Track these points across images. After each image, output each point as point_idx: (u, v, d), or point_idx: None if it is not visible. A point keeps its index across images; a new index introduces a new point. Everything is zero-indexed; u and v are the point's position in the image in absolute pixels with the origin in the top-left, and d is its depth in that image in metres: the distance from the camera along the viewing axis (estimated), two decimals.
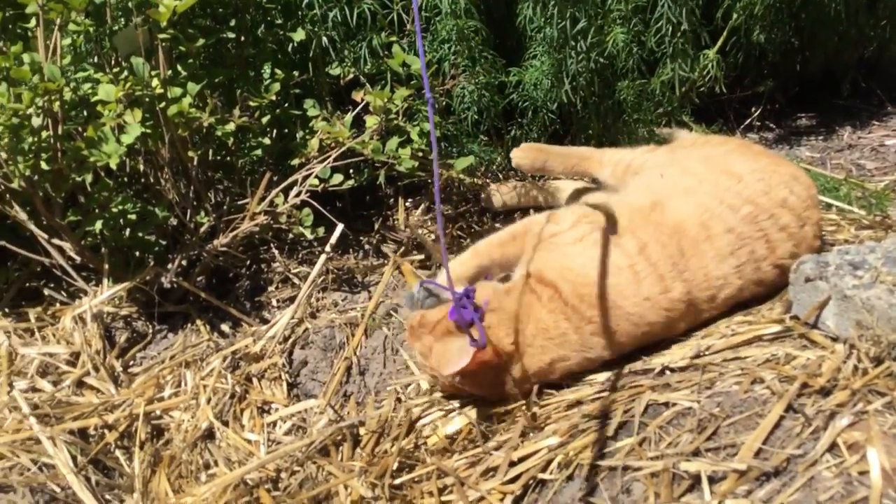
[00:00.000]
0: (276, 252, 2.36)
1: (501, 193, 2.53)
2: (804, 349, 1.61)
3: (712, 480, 1.36)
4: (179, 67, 2.09)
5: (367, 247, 2.44)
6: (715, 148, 2.08)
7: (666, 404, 1.58)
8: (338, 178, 2.20)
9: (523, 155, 2.33)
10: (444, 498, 1.56)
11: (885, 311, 1.47)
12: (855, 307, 1.53)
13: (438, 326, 1.71)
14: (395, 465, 1.65)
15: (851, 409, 1.39)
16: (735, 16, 2.60)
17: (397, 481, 1.61)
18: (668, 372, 1.68)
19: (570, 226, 1.86)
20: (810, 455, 1.33)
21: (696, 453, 1.43)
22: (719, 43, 2.64)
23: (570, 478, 1.50)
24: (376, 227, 2.51)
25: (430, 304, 1.84)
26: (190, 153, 2.11)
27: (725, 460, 1.39)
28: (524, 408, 1.70)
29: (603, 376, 1.74)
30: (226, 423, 1.88)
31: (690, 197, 1.84)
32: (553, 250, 1.83)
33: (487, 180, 2.65)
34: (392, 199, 2.62)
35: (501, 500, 1.51)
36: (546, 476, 1.53)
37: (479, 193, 2.60)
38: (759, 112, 2.99)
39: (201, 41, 2.06)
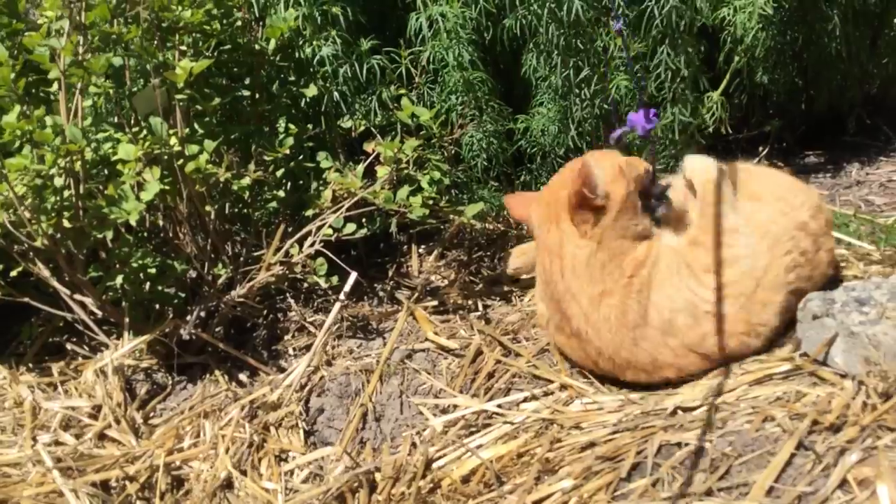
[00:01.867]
0: (291, 301, 2.41)
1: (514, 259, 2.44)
2: (814, 386, 1.62)
3: None
4: (196, 125, 2.17)
5: (381, 294, 2.48)
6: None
7: (679, 444, 1.60)
8: (351, 227, 2.25)
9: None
10: None
11: (891, 346, 1.49)
12: (862, 343, 1.55)
13: None
14: None
15: (861, 445, 1.40)
16: (737, 58, 2.64)
17: None
18: (679, 412, 1.69)
19: None
20: (821, 492, 1.34)
21: (708, 493, 1.44)
22: (723, 85, 2.69)
23: None
24: (390, 274, 2.56)
25: None
26: (207, 207, 2.17)
27: (738, 499, 1.40)
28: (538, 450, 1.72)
29: (615, 418, 1.76)
30: (244, 473, 1.90)
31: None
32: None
33: (499, 224, 2.70)
34: (405, 247, 2.67)
35: None
36: None
37: (493, 238, 2.65)
38: (766, 151, 3.02)
39: (217, 100, 2.13)
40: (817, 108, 3.01)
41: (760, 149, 3.03)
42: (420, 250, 2.67)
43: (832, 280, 1.92)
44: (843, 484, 1.35)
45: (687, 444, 1.58)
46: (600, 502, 1.52)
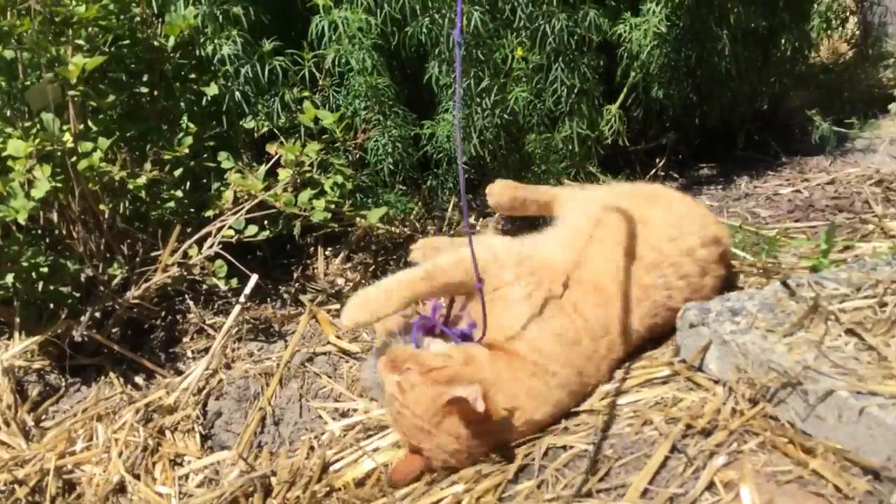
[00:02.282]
0: (191, 303, 2.38)
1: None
2: (690, 391, 1.71)
3: None
4: (91, 122, 2.13)
5: (285, 296, 2.48)
6: (642, 189, 2.19)
7: (564, 447, 1.66)
8: (252, 229, 2.24)
9: (501, 191, 2.23)
10: None
11: (758, 355, 1.59)
12: (733, 351, 1.65)
13: (435, 373, 1.64)
14: None
15: (728, 449, 1.49)
16: (633, 74, 2.76)
17: None
18: (567, 417, 1.76)
19: (514, 277, 1.83)
20: (691, 493, 1.43)
21: (588, 494, 1.51)
22: (620, 99, 2.80)
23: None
24: (295, 276, 2.56)
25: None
26: (101, 206, 2.13)
27: (616, 500, 1.48)
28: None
29: None
30: (137, 477, 1.88)
31: (601, 251, 1.91)
32: (502, 308, 1.81)
33: (406, 228, 2.74)
34: (312, 249, 2.68)
35: None
36: None
37: (398, 242, 2.68)
38: (663, 162, 3.15)
39: (112, 97, 2.10)
40: (710, 123, 3.16)
41: (658, 160, 3.16)
42: (326, 253, 2.68)
43: None
44: (710, 486, 1.44)
45: (572, 447, 1.65)
46: (489, 501, 1.57)
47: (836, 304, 1.68)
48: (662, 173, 3.15)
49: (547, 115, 2.61)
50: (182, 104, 2.35)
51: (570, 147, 2.64)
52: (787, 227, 2.57)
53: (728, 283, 2.09)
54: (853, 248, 2.26)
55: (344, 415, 2.03)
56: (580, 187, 2.37)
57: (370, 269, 2.60)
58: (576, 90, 2.55)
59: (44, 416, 2.12)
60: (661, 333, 1.94)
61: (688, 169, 3.23)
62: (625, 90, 2.79)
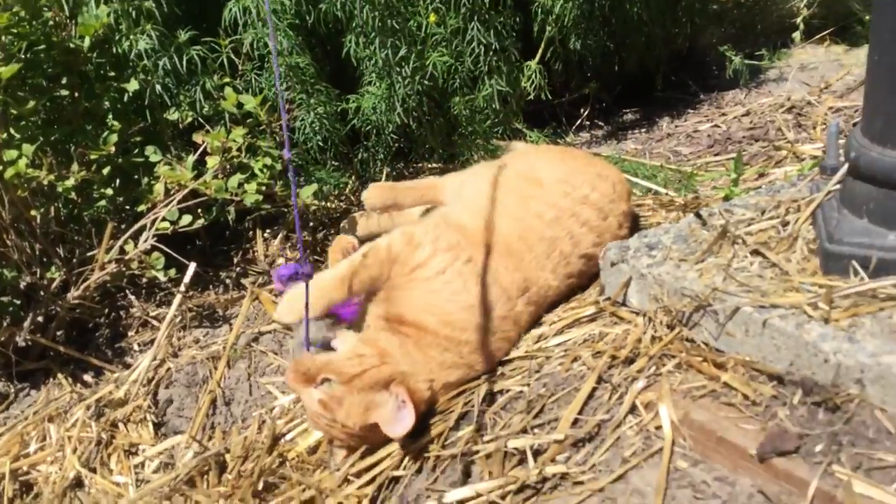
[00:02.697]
0: (132, 298, 2.41)
1: (363, 221, 2.58)
2: (614, 325, 1.80)
3: (537, 453, 1.52)
4: (13, 130, 2.13)
5: (227, 281, 2.52)
6: (524, 159, 2.26)
7: (501, 391, 1.74)
8: (186, 219, 2.27)
9: (374, 195, 2.31)
10: None
11: (672, 283, 1.67)
12: (649, 283, 1.73)
13: (357, 380, 1.67)
14: (261, 485, 1.74)
15: (647, 374, 1.58)
16: (549, 28, 2.81)
17: (264, 500, 1.70)
18: (503, 364, 1.83)
19: (430, 254, 1.87)
20: (615, 418, 1.51)
21: (524, 431, 1.59)
22: (539, 54, 2.86)
23: (419, 471, 1.63)
24: (236, 260, 2.59)
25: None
26: (33, 212, 2.14)
27: (548, 433, 1.55)
28: None
29: None
30: (93, 470, 1.93)
31: (506, 213, 1.98)
32: (415, 287, 1.86)
33: (341, 203, 2.78)
34: (250, 233, 2.71)
35: (359, 502, 1.62)
36: (398, 473, 1.66)
37: (335, 217, 2.72)
38: (587, 112, 3.22)
39: (33, 102, 2.10)
40: (629, 69, 3.23)
41: (582, 111, 3.23)
42: (265, 235, 2.71)
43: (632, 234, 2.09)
44: (633, 409, 1.53)
45: (508, 391, 1.73)
46: (433, 452, 1.64)
47: (742, 229, 1.76)
48: (588, 122, 3.22)
49: (468, 76, 2.66)
50: (105, 103, 2.35)
51: (493, 106, 2.69)
52: (708, 162, 2.66)
53: (637, 220, 2.17)
54: (767, 175, 2.35)
55: None
56: (458, 173, 2.43)
57: (309, 247, 2.64)
58: (493, 49, 2.60)
59: None
60: (578, 285, 2.02)
61: (612, 115, 3.31)
62: (542, 45, 2.85)
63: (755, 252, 1.67)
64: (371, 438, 1.70)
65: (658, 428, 1.46)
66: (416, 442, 1.70)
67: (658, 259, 1.76)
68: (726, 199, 2.11)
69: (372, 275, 1.88)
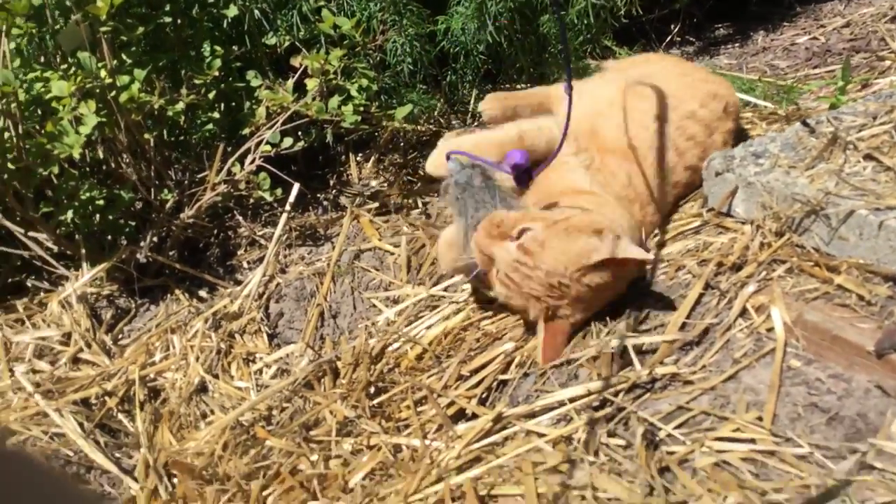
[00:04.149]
0: (240, 218, 2.51)
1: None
2: (719, 235, 1.80)
3: (645, 353, 1.56)
4: (124, 56, 2.21)
5: (325, 202, 2.60)
6: (639, 70, 2.24)
7: None
8: (288, 141, 2.34)
9: (492, 105, 2.26)
10: (419, 409, 1.74)
11: (782, 190, 1.66)
12: (757, 191, 1.72)
13: (563, 223, 1.64)
14: (372, 389, 1.83)
15: (757, 279, 1.59)
16: None
17: (376, 401, 1.80)
18: None
19: (573, 150, 1.93)
20: (725, 321, 1.53)
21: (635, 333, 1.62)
22: None
23: (525, 375, 1.70)
24: (331, 183, 2.67)
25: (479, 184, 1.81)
26: (146, 135, 2.24)
27: (658, 335, 1.59)
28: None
29: None
30: (216, 376, 2.05)
31: (614, 124, 1.99)
32: (571, 172, 1.92)
33: (430, 125, 2.81)
34: (343, 156, 2.77)
35: (470, 401, 1.70)
36: (506, 377, 1.73)
37: (424, 140, 2.76)
38: (678, 28, 3.15)
39: (140, 29, 2.18)
40: None
41: (672, 27, 3.16)
42: (358, 158, 2.77)
43: None
44: (743, 312, 1.54)
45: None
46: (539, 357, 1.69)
47: (854, 135, 1.74)
48: (678, 38, 3.16)
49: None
50: (205, 30, 2.41)
51: (586, 21, 2.66)
52: (807, 74, 2.59)
53: (742, 135, 2.15)
54: (871, 85, 2.29)
55: (395, 301, 2.17)
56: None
57: (401, 169, 2.69)
58: None
59: (120, 336, 2.28)
60: (682, 195, 2.03)
61: (703, 31, 3.23)
62: None
63: (868, 157, 1.65)
64: (571, 291, 1.61)
65: (769, 330, 1.48)
66: (519, 350, 1.76)
67: (766, 167, 1.75)
68: (832, 107, 2.06)
69: (541, 147, 1.91)
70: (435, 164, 1.97)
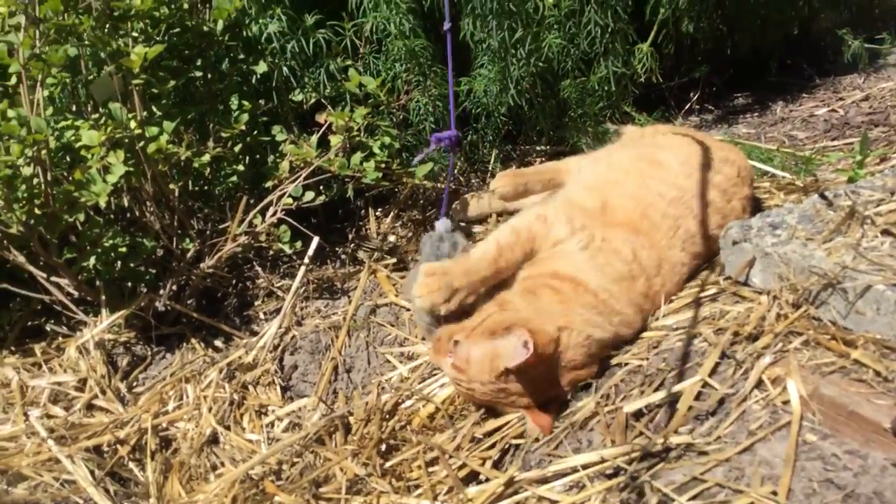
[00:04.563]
0: (259, 269, 2.54)
1: (474, 202, 2.69)
2: (735, 304, 1.81)
3: (660, 425, 1.55)
4: (154, 108, 2.27)
5: (343, 256, 2.62)
6: (647, 141, 2.28)
7: (619, 365, 1.78)
8: (310, 195, 2.38)
9: (504, 182, 2.34)
10: (430, 469, 1.73)
11: (799, 262, 1.67)
12: (775, 262, 1.73)
13: (478, 329, 1.72)
14: (384, 446, 1.82)
15: (774, 350, 1.58)
16: (662, 10, 2.80)
17: (389, 464, 1.79)
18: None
19: (568, 233, 1.92)
20: (741, 392, 1.53)
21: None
22: (651, 36, 2.85)
23: (536, 439, 1.69)
24: (350, 237, 2.70)
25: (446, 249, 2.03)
26: (171, 186, 2.28)
27: (670, 405, 1.58)
28: None
29: None
30: (228, 428, 2.05)
31: (626, 193, 2.01)
32: (563, 256, 1.90)
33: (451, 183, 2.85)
34: (363, 211, 2.81)
35: (482, 464, 1.69)
36: (519, 441, 1.72)
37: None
38: (697, 96, 3.20)
39: (172, 82, 2.23)
40: (742, 53, 3.19)
41: (692, 94, 3.21)
42: (377, 213, 2.80)
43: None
44: (759, 384, 1.54)
45: (627, 364, 1.76)
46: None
47: (871, 209, 1.75)
48: (697, 106, 3.20)
49: (581, 58, 2.69)
50: (233, 84, 2.47)
51: (606, 88, 2.71)
52: (825, 146, 2.62)
53: (757, 203, 2.16)
54: (889, 159, 2.30)
55: (410, 358, 2.18)
56: (580, 156, 2.45)
57: (419, 226, 2.72)
58: (609, 30, 2.62)
59: (135, 383, 2.29)
60: (700, 266, 2.03)
61: (722, 100, 3.28)
62: (655, 27, 2.84)
63: (885, 232, 1.66)
64: (515, 392, 1.68)
65: (785, 402, 1.47)
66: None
67: (783, 238, 1.76)
68: (850, 181, 2.08)
69: (517, 257, 1.91)
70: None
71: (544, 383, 1.70)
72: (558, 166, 2.38)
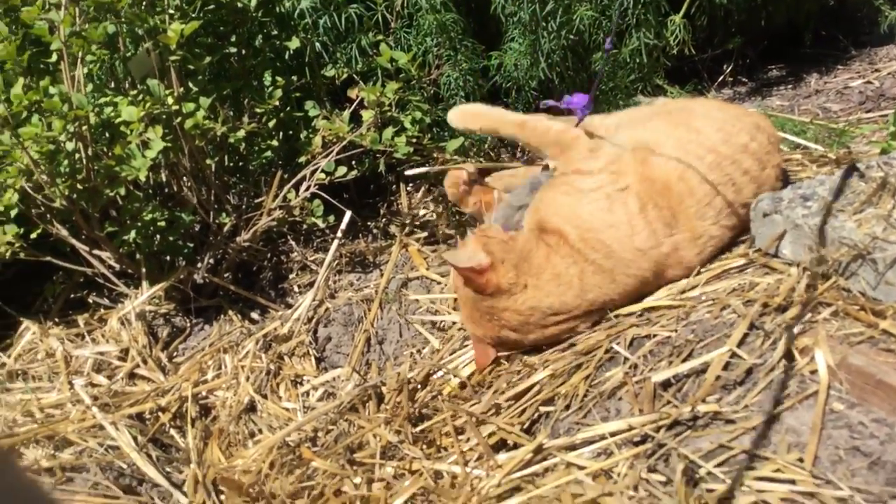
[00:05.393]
0: (293, 243, 2.59)
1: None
2: (765, 276, 1.81)
3: (687, 393, 1.57)
4: (190, 84, 2.31)
5: (374, 230, 2.66)
6: (679, 106, 2.27)
7: (648, 336, 1.79)
8: (342, 170, 2.41)
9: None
10: (460, 437, 1.77)
11: (829, 233, 1.67)
12: (805, 234, 1.73)
13: (479, 234, 1.99)
14: (416, 413, 1.87)
15: (803, 321, 1.59)
16: None
17: (419, 428, 1.83)
18: (648, 311, 1.88)
19: (600, 168, 1.98)
20: (769, 362, 1.54)
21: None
22: (684, 7, 2.82)
23: (567, 407, 1.72)
24: (382, 212, 2.73)
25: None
26: (207, 161, 2.33)
27: (699, 375, 1.60)
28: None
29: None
30: (265, 396, 2.11)
31: (664, 154, 1.99)
32: (568, 193, 1.98)
33: (480, 158, 2.87)
34: (394, 186, 2.84)
35: (512, 428, 1.72)
36: (548, 409, 1.75)
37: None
38: (730, 68, 3.17)
39: (207, 59, 2.27)
40: (777, 24, 3.15)
41: (725, 67, 3.18)
42: (408, 188, 2.83)
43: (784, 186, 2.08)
44: (787, 354, 1.55)
45: (655, 336, 1.78)
46: (581, 390, 1.72)
47: None
48: (730, 79, 3.18)
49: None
50: (267, 60, 2.51)
51: (638, 60, 2.70)
52: (859, 118, 2.59)
53: (785, 175, 2.15)
54: None
55: (441, 329, 2.21)
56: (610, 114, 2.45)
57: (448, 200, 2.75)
58: (641, 1, 2.60)
59: (175, 353, 2.36)
60: (736, 236, 1.99)
61: (756, 72, 3.24)
62: None
63: None
64: (464, 311, 1.98)
65: (813, 372, 1.48)
66: (563, 382, 1.78)
67: (814, 210, 1.76)
68: (883, 152, 2.06)
69: (533, 143, 2.15)
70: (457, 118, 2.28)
71: (484, 318, 1.91)
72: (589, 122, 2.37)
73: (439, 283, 2.38)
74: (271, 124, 2.44)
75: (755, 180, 1.98)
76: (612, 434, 1.53)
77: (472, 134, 2.44)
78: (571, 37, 2.60)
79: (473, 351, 2.00)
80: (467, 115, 2.26)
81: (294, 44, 2.48)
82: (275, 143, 2.49)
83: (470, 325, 1.98)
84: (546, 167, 2.17)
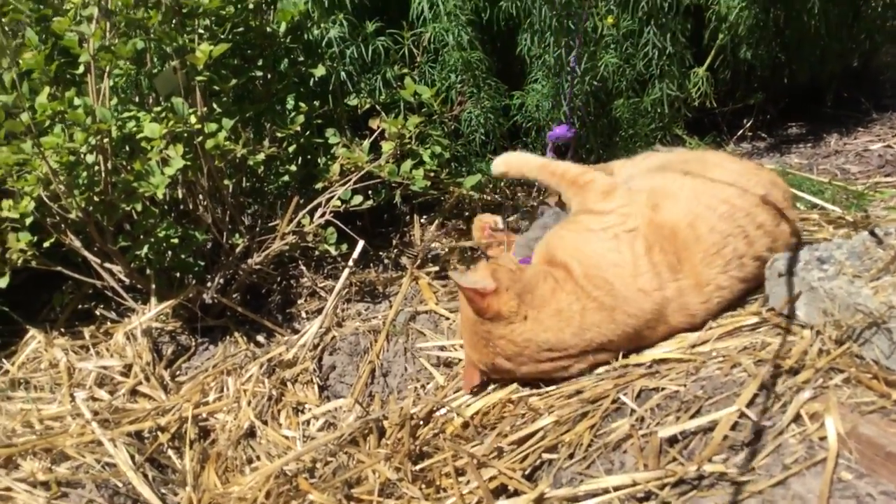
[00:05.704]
0: (303, 268, 2.59)
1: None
2: (777, 336, 1.79)
3: (693, 452, 1.55)
4: (214, 104, 2.32)
5: (386, 261, 2.66)
6: (695, 155, 2.28)
7: (656, 389, 1.77)
8: (358, 199, 2.42)
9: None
10: (461, 478, 1.75)
11: (844, 298, 1.66)
12: (820, 297, 1.72)
13: (492, 261, 2.05)
14: (417, 451, 1.85)
15: (814, 385, 1.58)
16: (721, 35, 2.80)
17: (419, 466, 1.81)
18: (658, 363, 1.87)
19: (611, 209, 2.00)
20: (778, 425, 1.52)
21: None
22: (708, 61, 2.85)
23: (570, 456, 1.70)
24: (394, 242, 2.73)
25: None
26: (225, 181, 2.34)
27: (705, 433, 1.58)
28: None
29: (601, 369, 1.93)
30: (265, 423, 2.10)
31: (676, 201, 2.00)
32: (578, 231, 2.01)
33: (496, 195, 2.87)
34: (408, 217, 2.84)
35: (513, 473, 1.70)
36: (551, 456, 1.73)
37: (489, 208, 2.82)
38: (750, 123, 3.18)
39: (233, 81, 2.29)
40: (799, 82, 3.17)
41: (745, 121, 3.19)
42: (422, 220, 2.84)
43: (798, 246, 2.07)
44: (797, 418, 1.53)
45: (663, 389, 1.76)
46: (586, 440, 1.70)
47: None
48: (750, 133, 3.18)
49: (636, 79, 2.70)
50: (291, 85, 2.52)
51: (659, 109, 2.71)
52: (878, 182, 2.59)
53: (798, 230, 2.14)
54: None
55: (447, 365, 2.20)
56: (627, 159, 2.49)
57: (463, 235, 2.75)
58: (667, 53, 2.62)
59: (178, 372, 2.36)
60: (748, 291, 1.97)
61: (776, 128, 3.25)
62: (713, 52, 2.84)
63: None
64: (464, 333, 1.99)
65: (822, 438, 1.46)
66: (569, 430, 1.76)
67: (830, 273, 1.75)
68: None
69: (560, 182, 2.16)
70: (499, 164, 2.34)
71: (481, 342, 1.92)
72: (606, 165, 2.43)
73: (448, 318, 2.37)
74: (291, 149, 2.46)
75: (769, 234, 1.97)
76: (616, 488, 1.51)
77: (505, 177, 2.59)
78: (595, 82, 2.62)
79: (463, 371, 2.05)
80: (511, 163, 2.32)
81: (320, 71, 2.50)
82: (293, 167, 2.50)
83: (467, 348, 2.00)
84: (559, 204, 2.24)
